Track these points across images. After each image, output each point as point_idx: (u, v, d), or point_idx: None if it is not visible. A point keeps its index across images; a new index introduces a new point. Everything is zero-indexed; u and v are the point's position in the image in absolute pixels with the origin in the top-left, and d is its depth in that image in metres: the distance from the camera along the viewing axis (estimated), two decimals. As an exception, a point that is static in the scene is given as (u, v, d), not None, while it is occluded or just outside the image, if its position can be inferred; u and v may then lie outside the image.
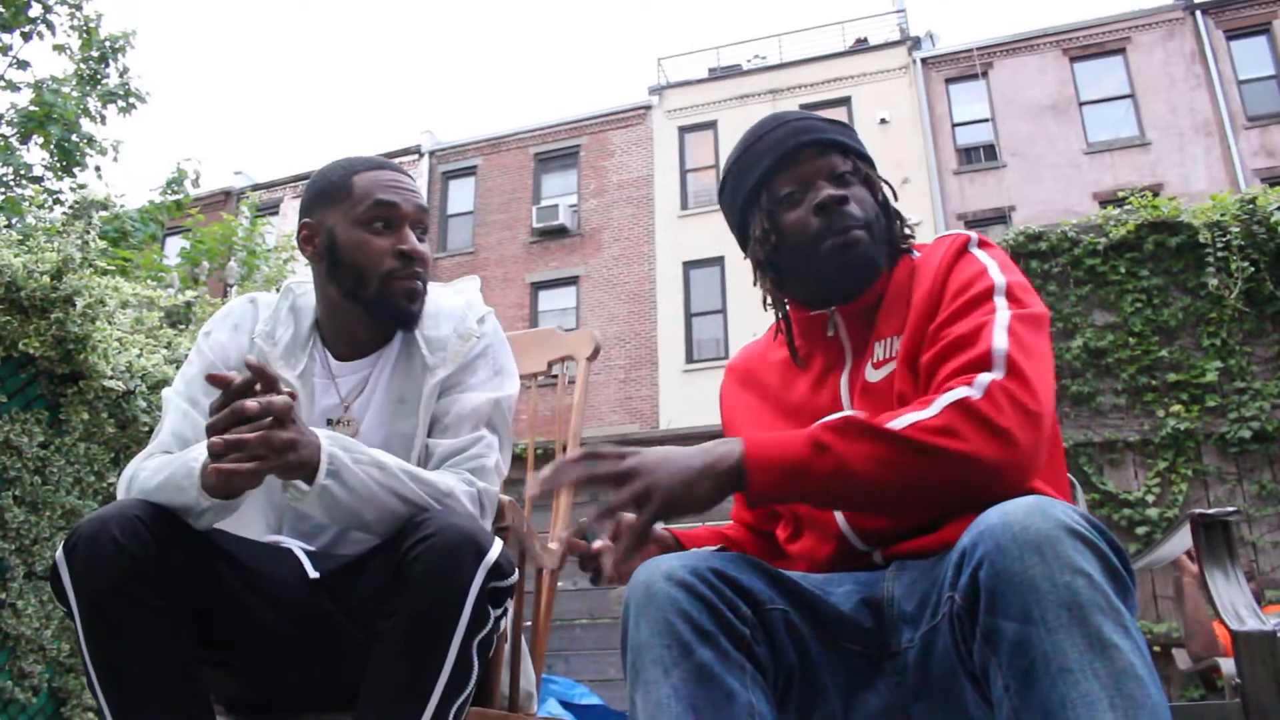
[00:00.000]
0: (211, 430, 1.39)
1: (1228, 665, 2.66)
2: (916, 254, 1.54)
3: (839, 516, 1.43)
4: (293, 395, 1.46)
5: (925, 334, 1.38)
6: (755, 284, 1.60)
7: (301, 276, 1.92)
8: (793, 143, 1.51)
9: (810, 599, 1.27)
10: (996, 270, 1.40)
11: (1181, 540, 2.16)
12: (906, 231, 1.56)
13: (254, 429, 1.39)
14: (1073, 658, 0.97)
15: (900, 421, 1.22)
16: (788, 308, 1.59)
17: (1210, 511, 1.96)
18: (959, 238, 1.48)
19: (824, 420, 1.26)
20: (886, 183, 1.57)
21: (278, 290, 1.93)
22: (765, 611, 1.20)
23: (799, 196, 1.49)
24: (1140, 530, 5.08)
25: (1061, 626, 0.98)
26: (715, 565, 1.19)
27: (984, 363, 1.26)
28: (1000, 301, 1.35)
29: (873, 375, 1.45)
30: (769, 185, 1.52)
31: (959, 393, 1.23)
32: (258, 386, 1.41)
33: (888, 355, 1.44)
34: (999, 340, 1.28)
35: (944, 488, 1.22)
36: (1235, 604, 1.85)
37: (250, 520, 1.72)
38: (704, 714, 1.09)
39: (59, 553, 1.45)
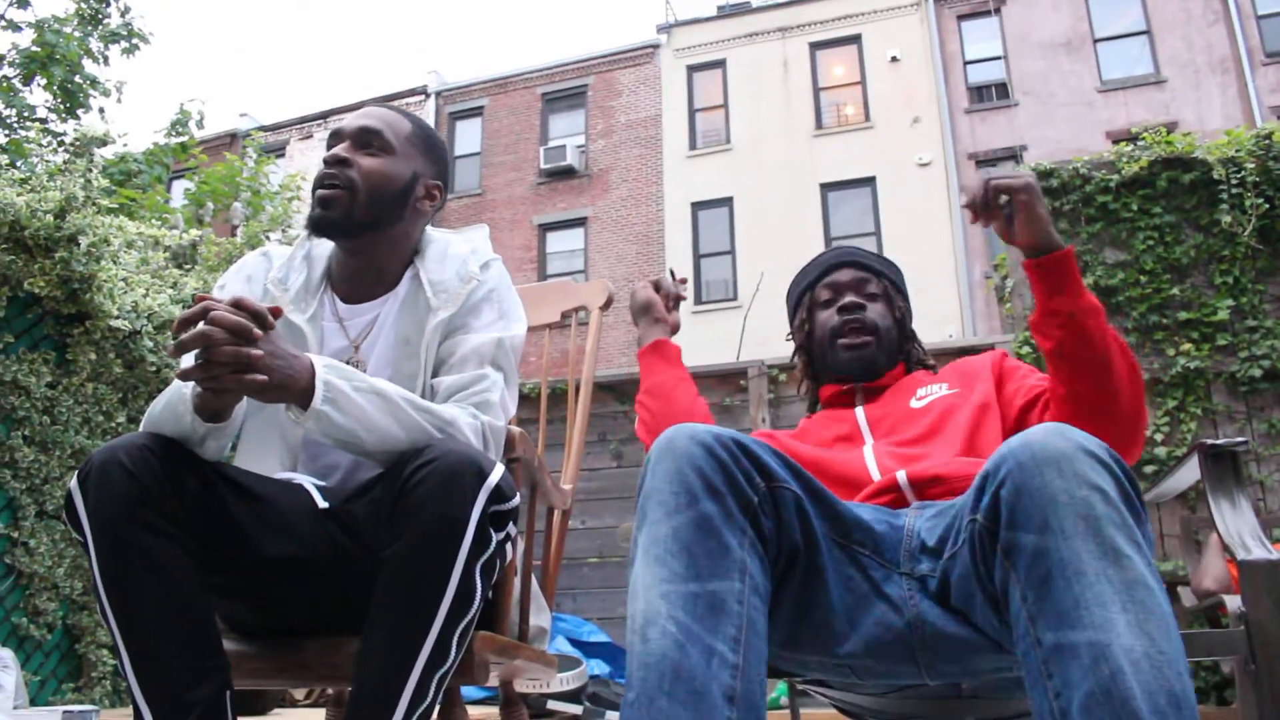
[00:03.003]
0: (177, 350, 1.40)
1: (1233, 602, 2.67)
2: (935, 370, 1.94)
3: (870, 463, 1.63)
4: (274, 312, 1.47)
5: (996, 385, 1.78)
6: (792, 360, 2.06)
7: None
8: (838, 260, 1.99)
9: (828, 497, 1.32)
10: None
11: (1189, 472, 2.15)
12: (920, 354, 1.98)
13: (202, 340, 1.38)
14: (1088, 563, 1.01)
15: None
16: (818, 381, 2.00)
17: (1219, 442, 1.95)
18: (997, 352, 1.88)
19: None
20: (904, 305, 1.99)
21: (284, 240, 1.98)
22: (777, 487, 1.24)
23: (832, 301, 1.95)
24: (1149, 469, 5.07)
25: (1078, 534, 1.02)
26: (739, 438, 1.24)
27: None
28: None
29: (916, 403, 1.78)
30: (814, 289, 1.99)
31: None
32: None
33: (930, 393, 1.80)
34: None
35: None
36: (1241, 533, 1.85)
37: (265, 458, 1.76)
38: (697, 558, 1.14)
39: (73, 482, 1.49)
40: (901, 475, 1.52)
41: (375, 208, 1.80)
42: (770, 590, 1.20)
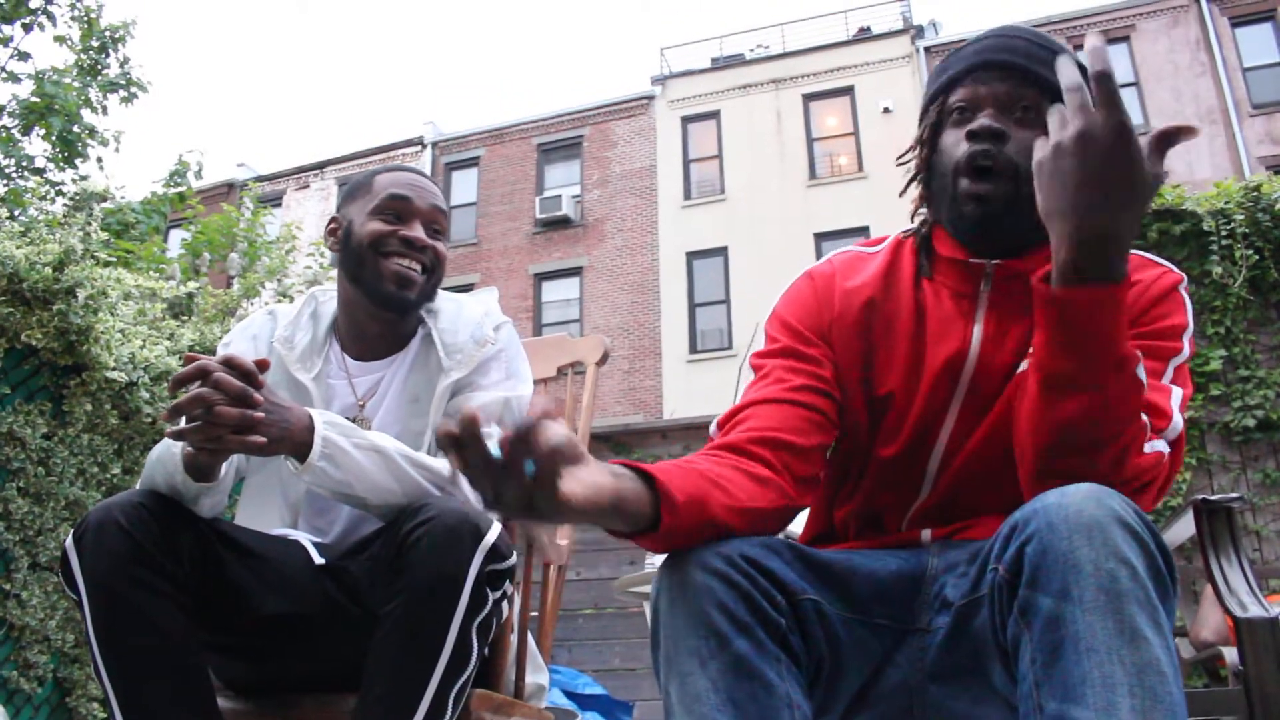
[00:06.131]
0: (170, 412, 1.41)
1: (1231, 654, 2.66)
2: None
3: (927, 486, 1.39)
4: (261, 365, 1.46)
5: None
6: (901, 194, 1.47)
7: (327, 285, 1.99)
8: (983, 58, 1.37)
9: (843, 577, 1.24)
10: (1189, 337, 1.37)
11: (1185, 527, 2.15)
12: None
13: (201, 403, 1.38)
14: (1102, 640, 0.97)
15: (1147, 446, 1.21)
16: (932, 225, 1.45)
17: (1214, 498, 1.95)
18: (1174, 275, 1.40)
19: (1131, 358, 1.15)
20: None
21: (280, 290, 1.98)
22: (798, 602, 1.18)
23: (965, 117, 1.36)
24: (1144, 519, 5.06)
25: (1097, 609, 0.98)
26: (747, 552, 1.16)
27: (1162, 426, 1.26)
28: (1177, 371, 1.34)
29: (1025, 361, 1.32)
30: (946, 95, 1.40)
31: (1160, 446, 1.23)
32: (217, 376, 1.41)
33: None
34: (1177, 419, 1.28)
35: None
36: (1238, 590, 1.85)
37: (266, 514, 1.77)
38: (742, 706, 1.08)
39: (68, 540, 1.48)
40: (926, 534, 1.39)
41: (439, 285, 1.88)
42: (811, 708, 1.15)
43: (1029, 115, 1.33)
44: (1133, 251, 1.35)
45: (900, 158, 1.48)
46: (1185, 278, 1.41)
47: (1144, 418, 1.19)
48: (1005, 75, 1.35)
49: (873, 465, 1.42)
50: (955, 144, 1.35)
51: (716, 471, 1.24)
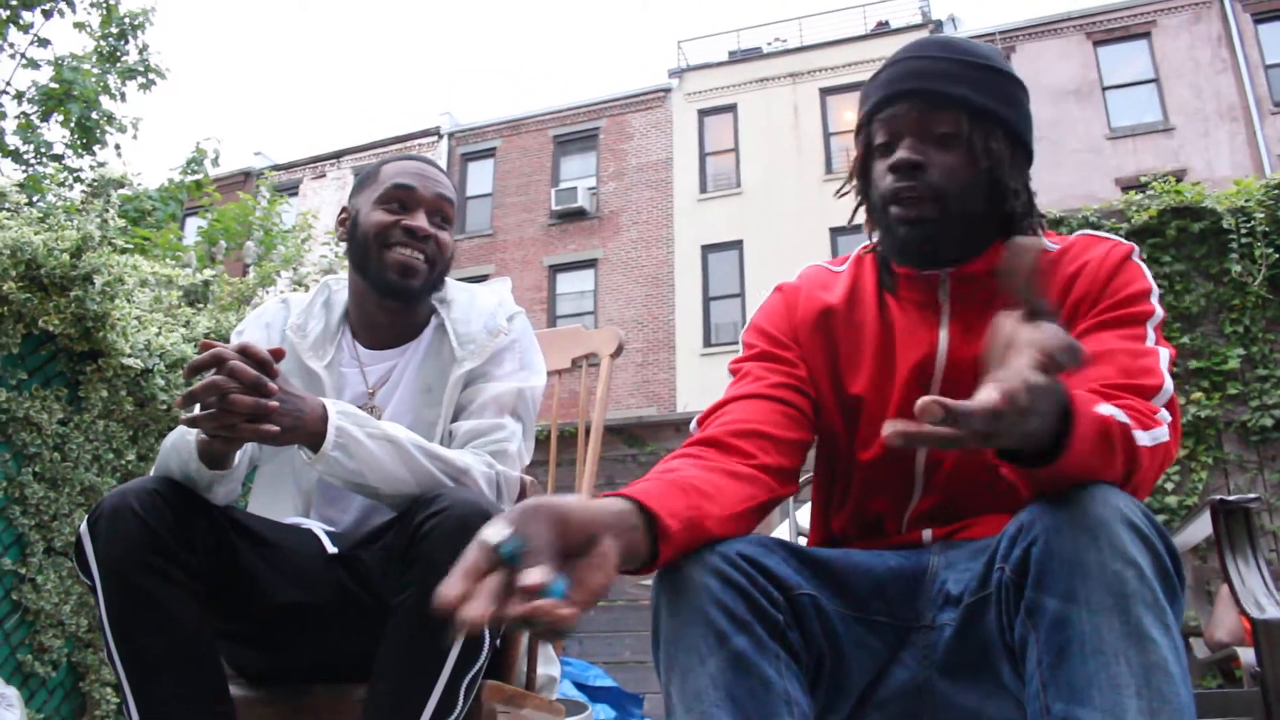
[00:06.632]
0: (185, 399, 1.40)
1: (1246, 654, 2.64)
2: (1053, 245, 1.41)
3: (918, 488, 1.39)
4: (276, 354, 1.46)
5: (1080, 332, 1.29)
6: (853, 216, 1.51)
7: (341, 273, 1.99)
8: (896, 88, 1.39)
9: (840, 574, 1.24)
10: (1157, 298, 1.33)
11: (1201, 527, 2.14)
12: (1029, 208, 1.40)
13: (215, 391, 1.38)
14: (1109, 642, 0.97)
15: (1147, 438, 1.12)
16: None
17: (1231, 498, 1.94)
18: (1124, 245, 1.38)
19: (1106, 414, 1.07)
20: (1000, 146, 1.37)
21: (295, 279, 1.97)
22: (795, 598, 1.18)
23: (890, 147, 1.39)
24: (1159, 519, 5.03)
25: (1104, 610, 0.98)
26: (743, 550, 1.17)
27: (1157, 396, 1.21)
28: (1157, 333, 1.30)
29: None
30: (869, 125, 1.43)
31: (1163, 434, 1.16)
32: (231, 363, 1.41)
33: None
34: (1168, 381, 1.23)
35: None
36: (1255, 591, 1.84)
37: (279, 502, 1.78)
38: (741, 703, 1.08)
39: (83, 526, 1.49)
40: (927, 534, 1.39)
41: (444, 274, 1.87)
42: (810, 705, 1.15)
43: (949, 137, 1.36)
44: (1082, 232, 1.41)
45: (839, 190, 1.52)
46: (1136, 248, 1.39)
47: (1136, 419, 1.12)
48: (920, 102, 1.37)
49: (857, 469, 1.44)
50: (882, 176, 1.39)
51: (705, 479, 1.23)
